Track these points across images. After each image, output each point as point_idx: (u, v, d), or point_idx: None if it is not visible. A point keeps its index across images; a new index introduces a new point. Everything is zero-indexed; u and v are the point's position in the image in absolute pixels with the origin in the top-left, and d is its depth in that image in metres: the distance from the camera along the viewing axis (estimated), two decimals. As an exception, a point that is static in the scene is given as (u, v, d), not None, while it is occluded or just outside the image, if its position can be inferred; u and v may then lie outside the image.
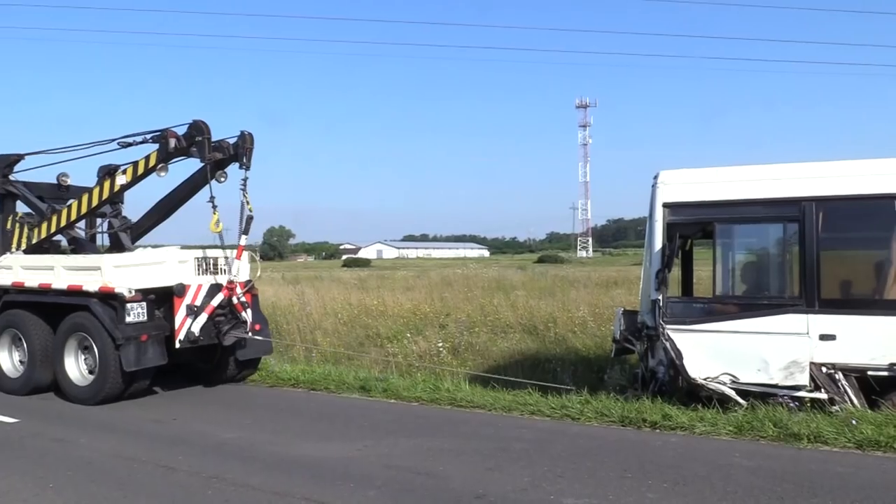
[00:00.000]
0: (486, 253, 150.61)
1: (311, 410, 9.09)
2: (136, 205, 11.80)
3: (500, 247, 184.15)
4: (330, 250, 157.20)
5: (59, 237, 11.65)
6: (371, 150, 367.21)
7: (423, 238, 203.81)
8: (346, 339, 15.72)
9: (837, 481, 5.72)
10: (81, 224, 11.63)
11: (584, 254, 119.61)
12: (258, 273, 11.08)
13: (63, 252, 11.54)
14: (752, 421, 7.21)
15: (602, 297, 18.53)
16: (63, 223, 11.00)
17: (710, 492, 5.55)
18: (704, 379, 7.88)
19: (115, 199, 10.99)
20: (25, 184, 11.62)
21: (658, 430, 7.45)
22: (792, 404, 7.39)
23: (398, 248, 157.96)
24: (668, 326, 8.08)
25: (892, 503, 5.23)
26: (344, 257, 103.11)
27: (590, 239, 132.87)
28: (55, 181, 11.92)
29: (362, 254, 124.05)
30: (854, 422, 6.81)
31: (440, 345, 14.04)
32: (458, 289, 22.63)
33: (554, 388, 9.12)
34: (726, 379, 7.85)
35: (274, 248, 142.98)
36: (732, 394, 7.80)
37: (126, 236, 11.06)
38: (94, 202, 10.65)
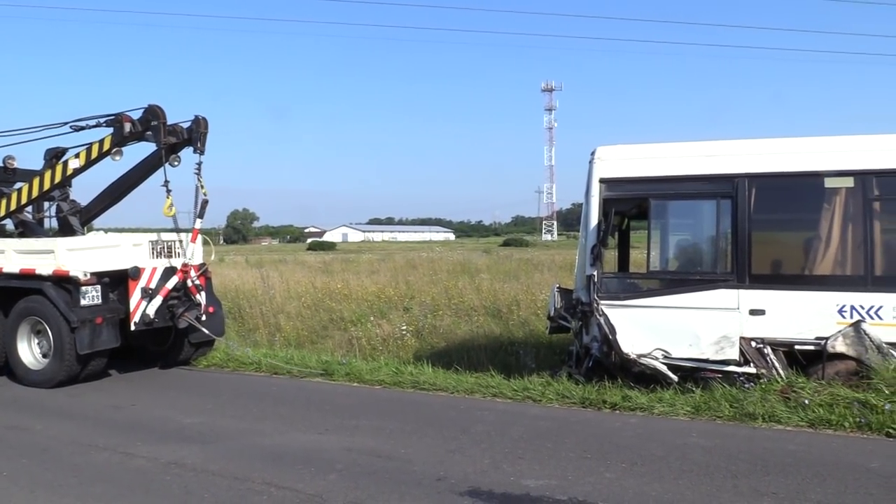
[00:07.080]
0: (451, 236, 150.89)
1: (273, 395, 9.02)
2: (85, 188, 11.61)
3: (465, 230, 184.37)
4: (294, 233, 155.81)
5: (5, 221, 11.41)
6: (336, 132, 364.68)
7: (389, 221, 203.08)
8: (309, 322, 15.59)
9: (790, 459, 5.87)
10: (29, 208, 11.42)
11: (549, 237, 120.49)
12: (212, 256, 11.16)
13: (9, 236, 11.30)
14: (710, 401, 7.35)
15: (566, 280, 18.57)
16: (13, 206, 10.81)
17: (667, 471, 5.66)
18: (637, 354, 7.96)
19: (66, 182, 10.81)
20: None
21: (618, 412, 7.56)
22: (747, 385, 7.54)
23: (364, 231, 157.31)
24: (603, 302, 8.13)
25: (841, 479, 5.38)
26: (309, 240, 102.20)
27: (554, 222, 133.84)
28: (1, 164, 11.63)
29: (327, 237, 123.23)
30: (806, 401, 6.98)
31: (404, 328, 14.03)
32: (423, 272, 22.59)
33: (516, 371, 9.19)
34: (658, 354, 7.95)
35: (237, 230, 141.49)
36: (664, 369, 7.90)
37: (76, 220, 10.94)
38: (46, 186, 10.49)
